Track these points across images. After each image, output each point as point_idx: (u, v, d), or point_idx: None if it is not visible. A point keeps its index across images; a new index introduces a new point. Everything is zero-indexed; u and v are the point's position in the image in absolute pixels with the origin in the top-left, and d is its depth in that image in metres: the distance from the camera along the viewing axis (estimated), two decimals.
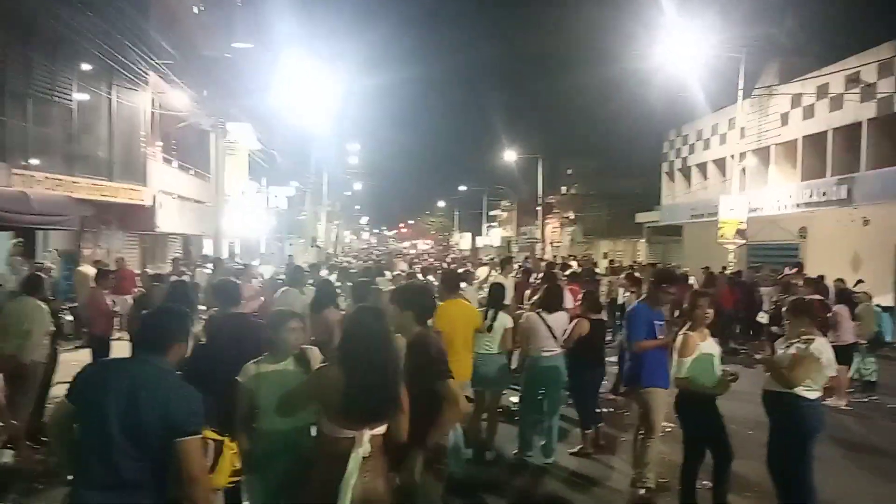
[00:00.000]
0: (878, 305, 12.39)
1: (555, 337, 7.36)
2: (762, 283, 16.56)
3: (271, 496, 4.10)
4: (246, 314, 6.00)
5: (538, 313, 7.43)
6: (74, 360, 8.58)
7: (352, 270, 15.66)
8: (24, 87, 15.36)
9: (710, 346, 5.76)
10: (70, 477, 3.26)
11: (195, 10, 25.13)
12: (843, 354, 9.52)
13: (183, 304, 4.94)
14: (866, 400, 10.72)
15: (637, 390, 6.44)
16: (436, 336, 4.31)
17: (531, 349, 7.39)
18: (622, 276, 14.65)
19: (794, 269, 16.50)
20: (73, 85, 16.85)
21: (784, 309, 5.76)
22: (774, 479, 5.40)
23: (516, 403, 8.21)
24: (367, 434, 3.51)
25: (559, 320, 7.49)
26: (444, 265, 25.93)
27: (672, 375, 5.84)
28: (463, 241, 78.94)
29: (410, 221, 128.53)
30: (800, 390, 5.12)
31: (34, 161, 15.50)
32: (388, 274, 13.58)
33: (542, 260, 32.38)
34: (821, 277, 14.05)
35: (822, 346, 5.17)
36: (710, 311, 5.82)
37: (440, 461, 4.13)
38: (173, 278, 11.59)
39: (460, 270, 13.37)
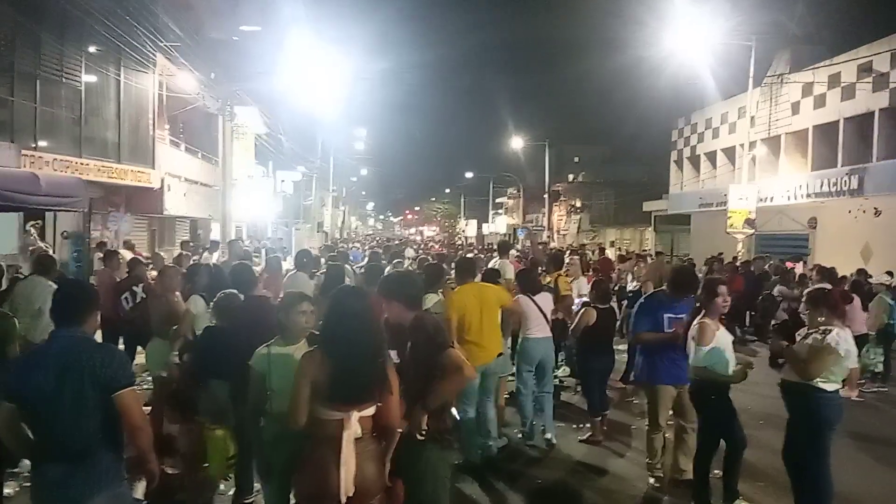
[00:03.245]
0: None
1: (545, 317, 7.39)
2: (772, 273, 16.46)
3: (283, 478, 4.08)
4: (262, 297, 5.98)
5: (528, 296, 7.43)
6: None
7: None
8: (32, 67, 15.27)
9: (724, 334, 5.70)
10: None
11: None
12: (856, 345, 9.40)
13: (219, 287, 5.08)
14: (875, 390, 10.67)
15: (642, 384, 6.43)
16: (432, 316, 4.41)
17: (523, 331, 7.42)
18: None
19: (801, 264, 16.34)
20: (81, 66, 16.77)
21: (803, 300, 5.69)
22: (789, 471, 5.35)
23: None
24: (355, 415, 3.50)
25: (545, 301, 7.57)
26: (451, 252, 25.83)
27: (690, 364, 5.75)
28: (469, 228, 78.83)
29: (416, 208, 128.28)
30: (818, 382, 5.05)
31: (42, 142, 15.46)
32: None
33: (542, 244, 32.34)
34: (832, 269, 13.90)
35: (839, 337, 5.06)
36: (728, 300, 5.73)
37: (444, 426, 4.07)
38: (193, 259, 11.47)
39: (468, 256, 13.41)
